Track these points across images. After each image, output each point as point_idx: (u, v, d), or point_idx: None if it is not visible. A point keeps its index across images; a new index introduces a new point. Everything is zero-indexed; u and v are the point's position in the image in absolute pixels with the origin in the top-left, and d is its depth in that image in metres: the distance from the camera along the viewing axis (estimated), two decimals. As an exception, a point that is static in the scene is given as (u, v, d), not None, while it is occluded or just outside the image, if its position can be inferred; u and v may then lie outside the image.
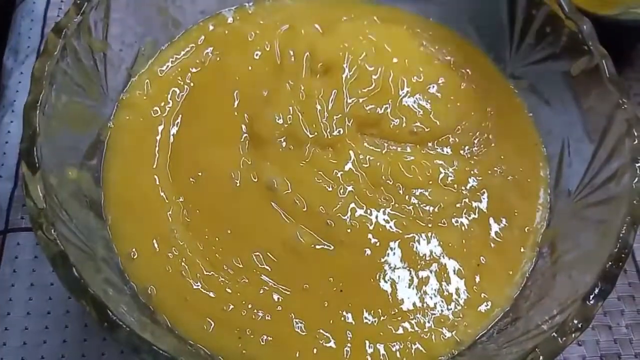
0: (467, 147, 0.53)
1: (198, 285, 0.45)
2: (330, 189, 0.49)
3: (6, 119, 0.60)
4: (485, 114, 0.55)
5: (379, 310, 0.46)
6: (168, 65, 0.55)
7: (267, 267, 0.46)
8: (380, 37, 0.57)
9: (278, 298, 0.45)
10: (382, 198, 0.50)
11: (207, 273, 0.46)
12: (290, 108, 0.52)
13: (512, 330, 0.43)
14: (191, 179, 0.50)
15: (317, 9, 0.60)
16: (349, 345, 0.44)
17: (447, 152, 0.53)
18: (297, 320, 0.44)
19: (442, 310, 0.46)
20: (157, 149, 0.51)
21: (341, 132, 0.52)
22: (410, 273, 0.47)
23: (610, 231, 0.42)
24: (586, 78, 0.49)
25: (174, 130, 0.52)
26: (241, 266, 0.46)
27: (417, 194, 0.50)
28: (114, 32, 0.49)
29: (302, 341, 0.44)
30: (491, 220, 0.51)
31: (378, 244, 0.48)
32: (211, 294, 0.45)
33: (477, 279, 0.48)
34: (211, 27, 0.57)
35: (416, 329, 0.45)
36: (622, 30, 0.61)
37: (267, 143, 0.51)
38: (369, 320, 0.45)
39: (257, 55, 0.56)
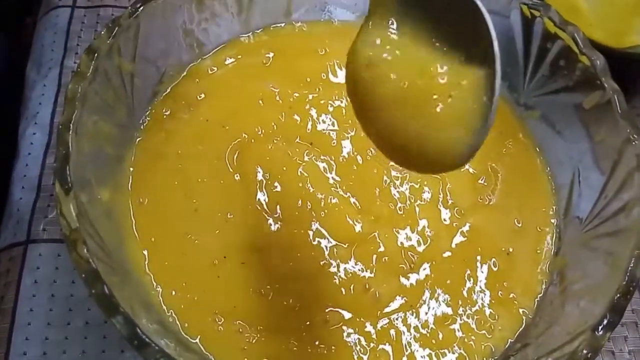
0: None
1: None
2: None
3: (29, 130, 0.61)
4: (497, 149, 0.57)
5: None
6: (190, 85, 0.56)
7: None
8: None
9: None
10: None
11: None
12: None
13: (521, 357, 0.45)
14: (194, 201, 0.51)
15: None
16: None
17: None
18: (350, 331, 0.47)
19: (482, 308, 0.48)
20: (173, 166, 0.52)
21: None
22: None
23: (619, 264, 0.44)
24: (598, 111, 0.50)
25: (187, 149, 0.53)
26: None
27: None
28: (142, 53, 0.51)
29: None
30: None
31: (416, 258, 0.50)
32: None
33: (505, 283, 0.50)
34: (234, 50, 0.58)
35: (462, 333, 0.48)
36: (631, 62, 0.63)
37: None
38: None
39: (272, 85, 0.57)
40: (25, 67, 0.68)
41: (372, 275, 0.49)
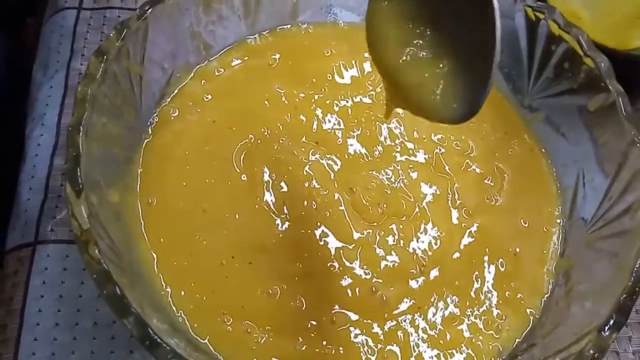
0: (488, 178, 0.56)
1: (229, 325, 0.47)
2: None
3: (36, 132, 0.61)
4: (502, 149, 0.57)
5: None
6: (197, 87, 0.56)
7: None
8: None
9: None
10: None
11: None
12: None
13: (529, 357, 0.45)
14: (201, 202, 0.51)
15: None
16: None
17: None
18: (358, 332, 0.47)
19: (490, 308, 0.49)
20: (181, 167, 0.52)
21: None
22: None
23: (624, 265, 0.44)
24: (602, 114, 0.51)
25: (194, 150, 0.53)
26: None
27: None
28: (150, 55, 0.51)
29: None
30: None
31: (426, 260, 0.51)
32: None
33: (512, 283, 0.51)
34: (240, 52, 0.59)
35: (469, 334, 0.48)
36: (635, 65, 0.63)
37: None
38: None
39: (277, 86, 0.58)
40: (27, 67, 0.68)
41: (379, 277, 0.49)
